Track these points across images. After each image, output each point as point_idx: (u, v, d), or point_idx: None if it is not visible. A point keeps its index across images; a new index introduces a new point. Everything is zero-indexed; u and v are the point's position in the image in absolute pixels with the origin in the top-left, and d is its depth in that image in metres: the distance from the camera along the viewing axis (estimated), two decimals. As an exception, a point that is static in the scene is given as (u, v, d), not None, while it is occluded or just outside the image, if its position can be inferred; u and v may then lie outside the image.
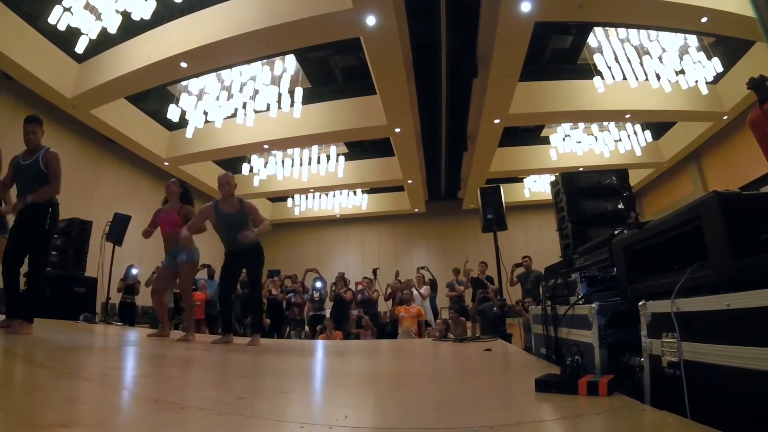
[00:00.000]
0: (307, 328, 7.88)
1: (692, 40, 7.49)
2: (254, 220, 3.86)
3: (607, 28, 7.38)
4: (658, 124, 10.41)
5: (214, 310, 8.09)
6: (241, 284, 8.27)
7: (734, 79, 7.92)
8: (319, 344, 4.63)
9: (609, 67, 7.40)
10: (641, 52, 7.43)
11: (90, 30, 5.85)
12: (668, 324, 1.24)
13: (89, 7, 5.75)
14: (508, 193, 6.40)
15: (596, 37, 7.58)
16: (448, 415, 1.22)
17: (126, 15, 5.85)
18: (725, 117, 8.80)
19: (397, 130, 9.31)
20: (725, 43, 7.46)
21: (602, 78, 7.58)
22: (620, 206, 3.30)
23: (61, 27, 5.71)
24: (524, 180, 13.03)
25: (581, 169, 9.13)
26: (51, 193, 3.16)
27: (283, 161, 10.89)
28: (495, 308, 6.42)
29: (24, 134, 3.23)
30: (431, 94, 8.38)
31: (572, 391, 1.33)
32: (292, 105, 8.06)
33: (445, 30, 6.70)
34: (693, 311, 1.18)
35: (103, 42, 6.80)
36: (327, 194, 13.17)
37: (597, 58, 7.43)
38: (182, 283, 4.13)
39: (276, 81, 7.91)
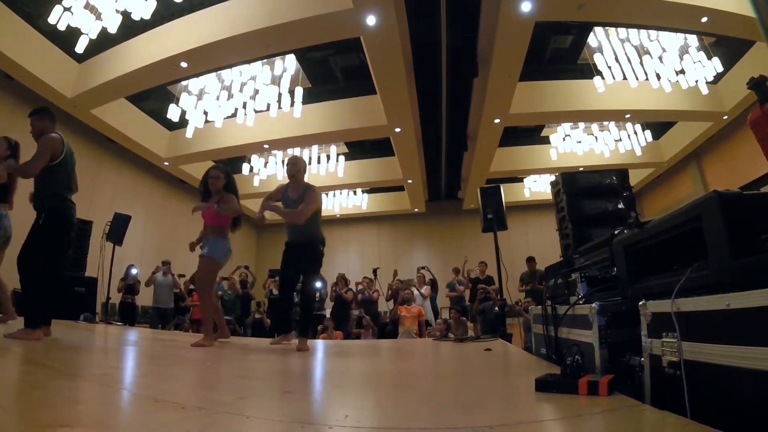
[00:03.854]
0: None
1: (692, 39, 7.48)
2: (303, 203, 3.63)
3: (607, 28, 7.38)
4: (658, 124, 10.41)
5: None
6: (241, 284, 8.29)
7: (734, 79, 7.91)
8: (320, 344, 4.62)
9: (609, 67, 7.40)
10: (641, 51, 7.43)
11: (90, 30, 5.85)
12: (668, 324, 1.24)
13: (89, 7, 5.75)
14: (508, 193, 6.40)
15: (596, 36, 7.58)
16: (448, 415, 1.22)
17: (126, 15, 5.85)
18: (725, 117, 8.80)
19: (397, 129, 9.31)
20: (725, 43, 7.46)
21: (602, 78, 7.59)
22: (620, 206, 3.29)
23: (61, 27, 5.71)
24: (524, 180, 13.03)
25: (581, 168, 9.14)
26: (20, 170, 2.89)
27: (283, 161, 10.88)
28: (496, 308, 6.42)
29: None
30: (431, 94, 8.37)
31: (572, 391, 1.33)
32: (292, 105, 8.06)
33: (445, 30, 6.69)
34: (693, 311, 1.18)
35: (103, 42, 6.80)
36: (327, 194, 13.16)
37: (597, 58, 7.43)
38: (195, 278, 3.79)
39: (276, 81, 7.91)
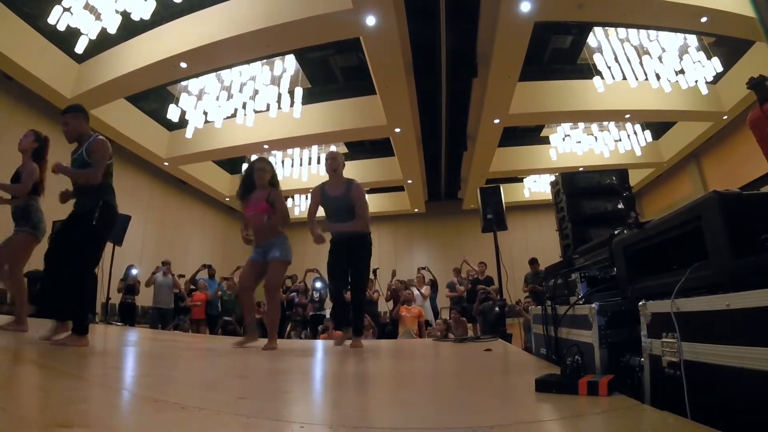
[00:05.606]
0: (307, 328, 7.89)
1: (692, 39, 7.49)
2: (357, 207, 3.43)
3: (606, 28, 7.39)
4: (658, 124, 10.42)
5: (214, 311, 8.08)
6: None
7: (734, 78, 7.92)
8: (320, 344, 4.63)
9: (609, 67, 7.41)
10: (641, 51, 7.44)
11: (90, 30, 5.86)
12: (668, 324, 1.24)
13: (89, 7, 5.76)
14: (508, 193, 6.40)
15: (596, 37, 7.59)
16: (447, 415, 1.22)
17: (126, 15, 5.86)
18: (725, 117, 8.81)
19: (397, 130, 9.31)
20: (725, 42, 7.46)
21: (602, 78, 7.60)
22: (620, 206, 3.29)
23: (61, 27, 5.72)
24: (524, 180, 13.04)
25: (581, 169, 9.15)
26: (86, 176, 2.74)
27: (283, 161, 10.89)
28: (496, 308, 6.42)
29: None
30: (431, 94, 8.38)
31: (572, 391, 1.33)
32: (292, 105, 8.07)
33: (444, 30, 6.70)
34: (693, 311, 1.18)
35: (103, 42, 6.80)
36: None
37: (597, 58, 7.44)
38: (269, 283, 3.34)
39: (276, 81, 7.92)
